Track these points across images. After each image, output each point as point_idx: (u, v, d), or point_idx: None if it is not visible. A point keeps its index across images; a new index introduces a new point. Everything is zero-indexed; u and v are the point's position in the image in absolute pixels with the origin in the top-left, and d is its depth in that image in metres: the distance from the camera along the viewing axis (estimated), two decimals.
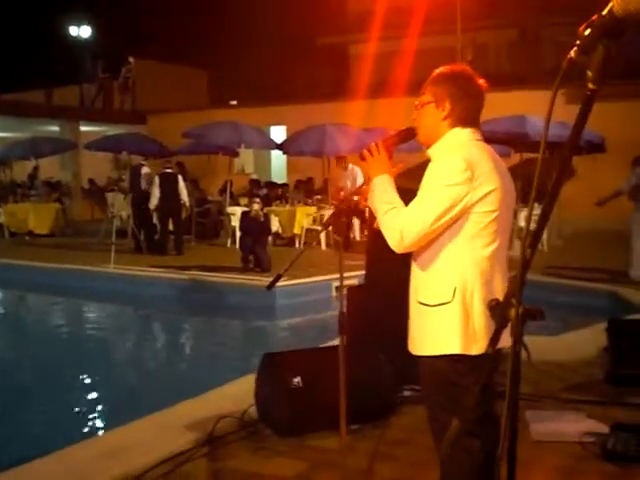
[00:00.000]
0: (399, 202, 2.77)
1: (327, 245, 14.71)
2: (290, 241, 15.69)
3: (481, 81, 2.88)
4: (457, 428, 1.79)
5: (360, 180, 14.72)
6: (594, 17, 1.48)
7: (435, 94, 2.83)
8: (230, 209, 16.21)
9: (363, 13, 24.10)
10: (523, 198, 14.74)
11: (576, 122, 1.53)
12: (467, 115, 2.81)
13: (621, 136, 14.87)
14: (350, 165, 15.36)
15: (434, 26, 22.69)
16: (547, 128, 1.62)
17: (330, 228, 3.73)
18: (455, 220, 2.64)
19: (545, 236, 15.08)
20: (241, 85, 29.05)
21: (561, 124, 13.68)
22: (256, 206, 12.32)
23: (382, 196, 2.82)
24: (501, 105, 15.95)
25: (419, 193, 2.71)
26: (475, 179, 2.62)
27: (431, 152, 2.85)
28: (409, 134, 3.03)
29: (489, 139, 11.32)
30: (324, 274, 10.76)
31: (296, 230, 15.22)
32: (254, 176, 21.81)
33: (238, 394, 5.27)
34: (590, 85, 1.50)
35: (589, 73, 1.49)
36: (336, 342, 6.40)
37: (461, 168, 2.60)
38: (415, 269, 2.80)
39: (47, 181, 22.13)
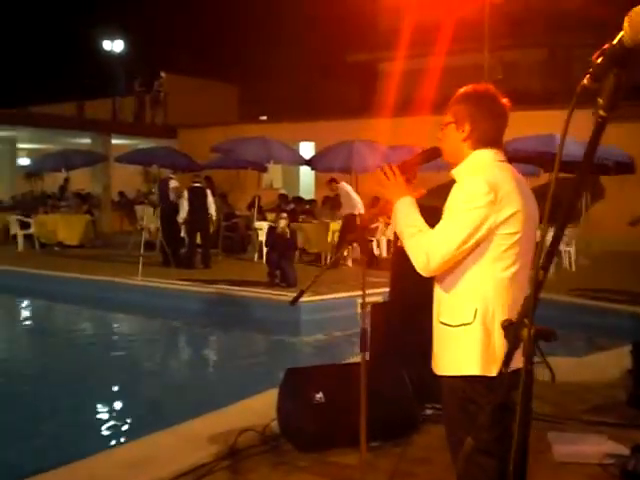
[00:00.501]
0: (423, 225, 2.78)
1: (353, 262, 14.74)
2: (317, 257, 15.73)
3: (504, 100, 2.87)
4: (471, 446, 1.82)
5: (353, 194, 15.19)
6: (605, 46, 1.51)
7: (456, 115, 2.85)
8: (257, 224, 16.32)
9: (392, 31, 24.18)
10: (552, 218, 14.72)
11: (587, 148, 1.57)
12: (489, 136, 2.81)
13: None
14: (342, 183, 15.57)
15: (462, 44, 22.74)
16: (561, 151, 1.67)
17: (355, 245, 3.75)
18: (479, 242, 2.66)
19: (573, 256, 15.01)
20: (271, 101, 29.26)
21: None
22: (283, 222, 12.40)
23: (406, 219, 2.82)
24: (530, 124, 15.94)
25: (444, 216, 2.72)
26: (498, 201, 2.63)
27: (455, 173, 2.87)
28: (434, 154, 3.04)
29: (516, 158, 11.40)
30: (349, 290, 10.78)
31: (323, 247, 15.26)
32: (282, 191, 21.91)
33: (260, 408, 5.31)
34: (601, 112, 1.53)
35: (600, 100, 1.53)
36: (359, 359, 6.46)
37: (484, 191, 2.61)
38: (437, 289, 2.83)
39: (77, 193, 22.40)
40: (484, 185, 2.63)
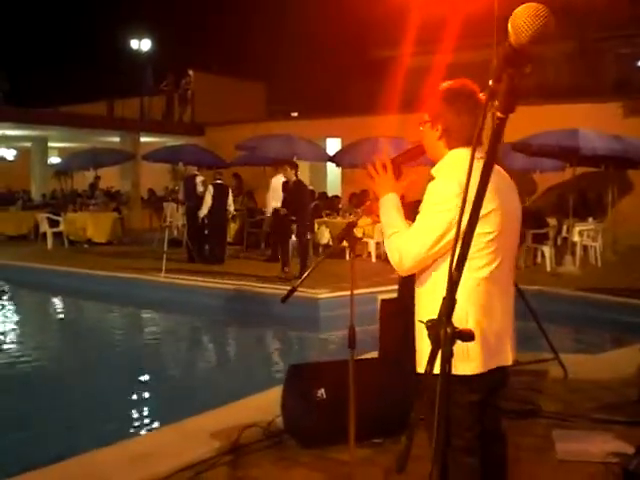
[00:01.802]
0: (402, 224, 2.80)
1: (377, 257, 14.71)
2: (341, 253, 15.69)
3: (482, 95, 2.85)
4: (405, 445, 1.81)
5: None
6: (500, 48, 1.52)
7: (431, 113, 2.85)
8: None
9: (417, 26, 24.04)
10: (575, 212, 14.58)
11: (488, 148, 1.57)
12: (466, 134, 2.77)
13: None
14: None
15: (490, 39, 22.50)
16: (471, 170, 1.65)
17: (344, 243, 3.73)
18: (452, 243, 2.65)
19: (598, 251, 14.84)
20: (298, 98, 29.28)
21: (615, 138, 13.64)
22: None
23: (386, 218, 2.86)
24: (558, 118, 15.84)
25: (417, 217, 2.73)
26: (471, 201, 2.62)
27: (434, 172, 2.86)
28: (418, 151, 3.04)
29: (540, 152, 11.26)
30: (370, 286, 10.75)
31: (345, 242, 15.19)
32: (310, 187, 21.91)
33: (266, 404, 5.33)
34: (498, 114, 1.53)
35: (495, 102, 1.53)
36: (370, 355, 6.47)
37: (456, 192, 2.59)
38: (416, 288, 2.84)
39: (106, 191, 22.64)
40: (456, 186, 2.61)
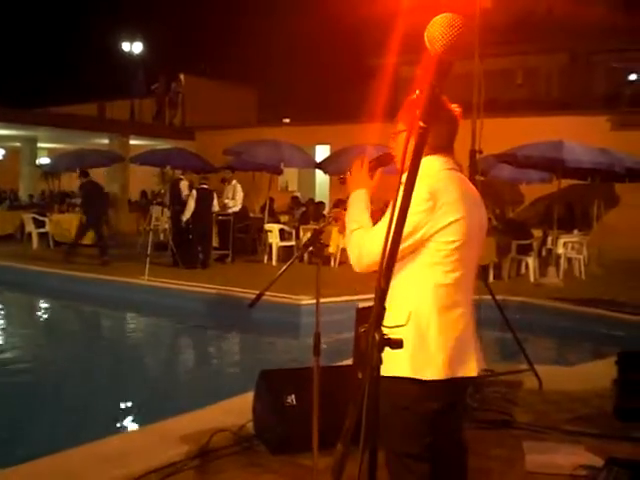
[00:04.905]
0: (366, 221, 2.81)
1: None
2: (326, 260, 15.70)
3: (454, 106, 2.88)
4: (340, 453, 1.80)
5: (239, 194, 16.61)
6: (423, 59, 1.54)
7: (406, 123, 2.85)
8: (268, 226, 16.35)
9: (413, 35, 24.13)
10: (561, 224, 14.64)
11: (414, 156, 1.57)
12: (438, 143, 2.79)
13: None
14: (233, 181, 16.78)
15: (494, 48, 22.60)
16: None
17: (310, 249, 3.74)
18: (416, 247, 2.67)
19: (582, 264, 14.89)
20: (289, 104, 29.30)
21: (601, 151, 13.69)
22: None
23: (352, 213, 2.87)
24: (546, 130, 15.89)
25: (383, 217, 2.73)
26: (438, 208, 2.64)
27: (405, 179, 2.87)
28: (387, 159, 3.06)
29: (525, 163, 11.30)
30: (352, 294, 10.75)
31: (331, 249, 15.23)
32: (296, 194, 21.95)
33: (239, 409, 5.32)
34: (420, 123, 1.53)
35: (417, 112, 1.54)
36: (346, 362, 6.46)
37: (424, 197, 2.62)
38: None
39: None
40: (424, 192, 2.63)
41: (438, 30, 1.59)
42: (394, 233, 1.54)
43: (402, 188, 2.88)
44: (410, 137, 2.80)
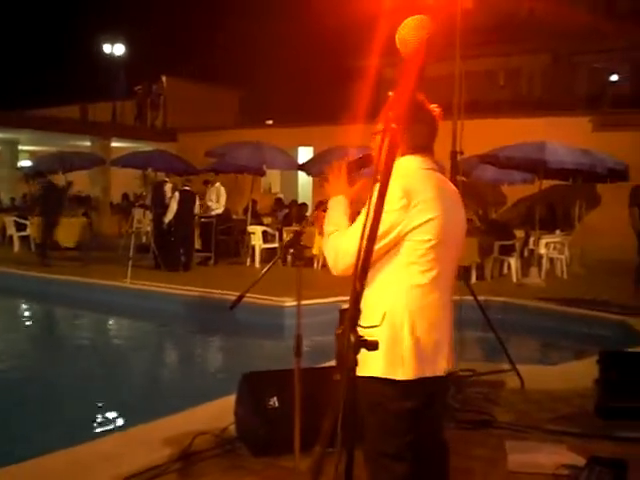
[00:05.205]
0: (344, 224, 2.80)
1: None
2: (309, 262, 15.69)
3: (433, 107, 2.88)
4: (318, 454, 1.79)
5: (223, 196, 16.90)
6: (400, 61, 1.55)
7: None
8: (251, 228, 16.32)
9: (393, 37, 24.15)
10: (543, 225, 14.70)
11: (386, 156, 1.57)
12: (417, 143, 2.82)
13: None
14: (217, 184, 17.07)
15: (477, 49, 22.68)
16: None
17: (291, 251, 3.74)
18: (391, 246, 2.66)
19: (564, 264, 14.96)
20: (271, 106, 29.27)
21: (583, 152, 13.77)
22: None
23: (331, 218, 2.87)
24: (529, 131, 15.96)
25: (358, 218, 2.73)
26: (412, 207, 2.63)
27: (380, 177, 2.86)
28: (367, 161, 3.04)
29: (508, 164, 11.34)
30: (335, 295, 10.74)
31: (315, 251, 15.21)
32: (279, 195, 21.93)
33: (221, 411, 5.30)
34: (393, 124, 1.54)
35: (390, 113, 1.54)
36: (329, 363, 6.45)
37: (397, 196, 2.62)
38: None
39: (76, 195, 22.44)
40: (398, 191, 2.64)
41: (409, 32, 1.60)
42: (369, 232, 1.53)
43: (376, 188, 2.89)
44: (384, 137, 2.82)
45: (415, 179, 2.73)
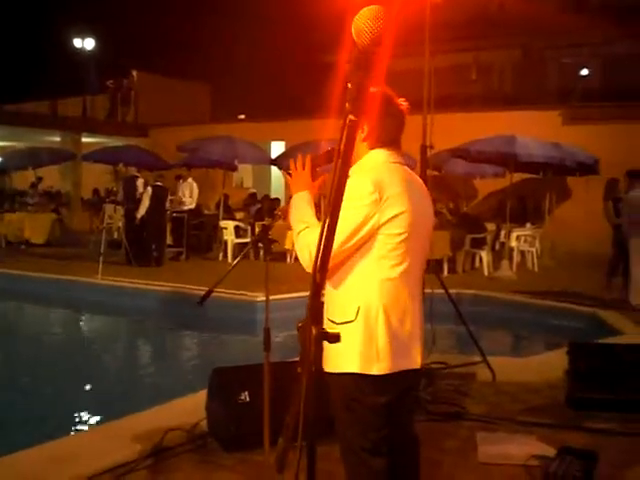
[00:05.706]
0: (313, 220, 2.78)
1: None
2: (282, 256, 15.67)
3: (401, 100, 2.88)
4: (281, 448, 1.80)
5: (196, 191, 17.14)
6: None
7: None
8: (223, 223, 16.26)
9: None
10: (514, 218, 14.81)
11: (344, 149, 1.56)
12: (385, 136, 2.82)
13: (614, 158, 14.82)
14: (189, 179, 17.19)
15: (441, 45, 22.76)
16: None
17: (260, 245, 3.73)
18: (364, 241, 2.66)
19: (535, 256, 15.08)
20: (243, 100, 29.16)
21: (553, 145, 13.87)
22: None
23: (297, 215, 2.83)
24: (500, 125, 16.04)
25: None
26: (383, 201, 2.63)
27: (351, 172, 2.85)
28: (333, 155, 3.02)
29: (478, 158, 11.37)
30: (308, 290, 10.73)
31: (287, 245, 15.18)
32: (252, 190, 21.86)
33: (193, 407, 5.27)
34: (350, 116, 1.54)
35: (347, 105, 1.55)
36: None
37: (369, 190, 2.62)
38: (327, 286, 2.81)
39: (47, 191, 22.23)
40: (369, 185, 2.63)
41: (364, 22, 1.60)
42: (329, 221, 1.52)
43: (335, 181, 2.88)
44: (360, 129, 2.81)
45: (383, 172, 2.72)
